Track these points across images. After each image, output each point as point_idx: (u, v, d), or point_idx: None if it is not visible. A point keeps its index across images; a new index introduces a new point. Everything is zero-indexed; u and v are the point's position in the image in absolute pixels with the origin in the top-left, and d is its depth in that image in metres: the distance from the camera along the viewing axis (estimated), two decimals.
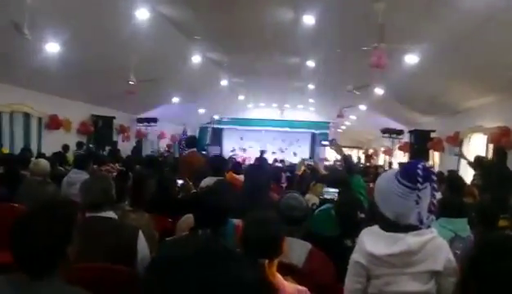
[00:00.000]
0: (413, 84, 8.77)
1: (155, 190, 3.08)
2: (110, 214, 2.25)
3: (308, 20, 7.30)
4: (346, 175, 2.90)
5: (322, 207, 2.73)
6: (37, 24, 5.57)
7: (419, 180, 1.43)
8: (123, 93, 8.77)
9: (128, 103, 10.31)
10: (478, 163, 6.01)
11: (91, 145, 10.37)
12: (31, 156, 6.16)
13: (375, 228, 1.59)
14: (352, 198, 2.32)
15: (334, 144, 3.48)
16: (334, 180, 2.84)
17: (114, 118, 11.22)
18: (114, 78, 8.52)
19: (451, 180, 3.85)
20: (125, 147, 12.45)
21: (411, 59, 6.94)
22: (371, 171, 8.71)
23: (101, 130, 10.64)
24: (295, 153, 21.55)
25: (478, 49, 5.76)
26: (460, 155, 7.31)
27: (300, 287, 1.65)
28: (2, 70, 7.46)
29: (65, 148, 8.60)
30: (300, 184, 4.33)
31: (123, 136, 12.45)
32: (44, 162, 4.11)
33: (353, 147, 23.40)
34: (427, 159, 10.33)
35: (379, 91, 9.82)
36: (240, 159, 16.76)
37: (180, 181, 3.63)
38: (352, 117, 16.49)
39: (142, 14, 7.09)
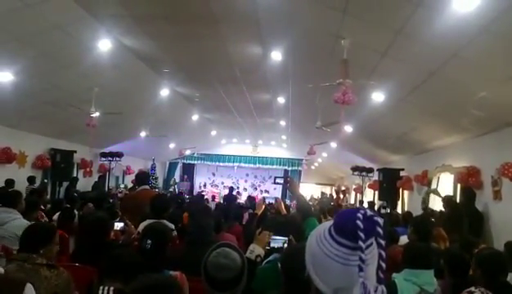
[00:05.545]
0: (381, 122, 8.74)
1: (83, 236, 2.65)
2: None
3: (276, 56, 7.25)
4: (297, 219, 2.58)
5: (269, 258, 2.35)
6: None
7: (361, 235, 0.93)
8: (85, 126, 8.32)
9: (92, 137, 9.84)
10: (447, 203, 5.89)
11: (45, 180, 9.69)
12: None
13: None
14: (300, 249, 1.93)
15: (289, 183, 3.12)
16: (283, 225, 2.48)
17: (74, 151, 10.64)
18: (76, 111, 8.09)
19: (418, 223, 3.59)
20: (87, 182, 11.84)
21: (378, 96, 6.90)
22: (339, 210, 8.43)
23: (59, 164, 10.00)
24: (267, 190, 21.31)
25: (443, 87, 5.71)
26: (433, 192, 7.21)
27: None
28: None
29: (9, 183, 7.83)
30: (259, 226, 3.95)
31: (84, 171, 11.82)
32: None
33: (326, 184, 23.36)
34: (397, 198, 10.21)
35: (348, 128, 9.76)
36: (209, 195, 16.32)
37: (120, 224, 3.18)
38: (324, 154, 16.41)
39: (104, 45, 6.84)
